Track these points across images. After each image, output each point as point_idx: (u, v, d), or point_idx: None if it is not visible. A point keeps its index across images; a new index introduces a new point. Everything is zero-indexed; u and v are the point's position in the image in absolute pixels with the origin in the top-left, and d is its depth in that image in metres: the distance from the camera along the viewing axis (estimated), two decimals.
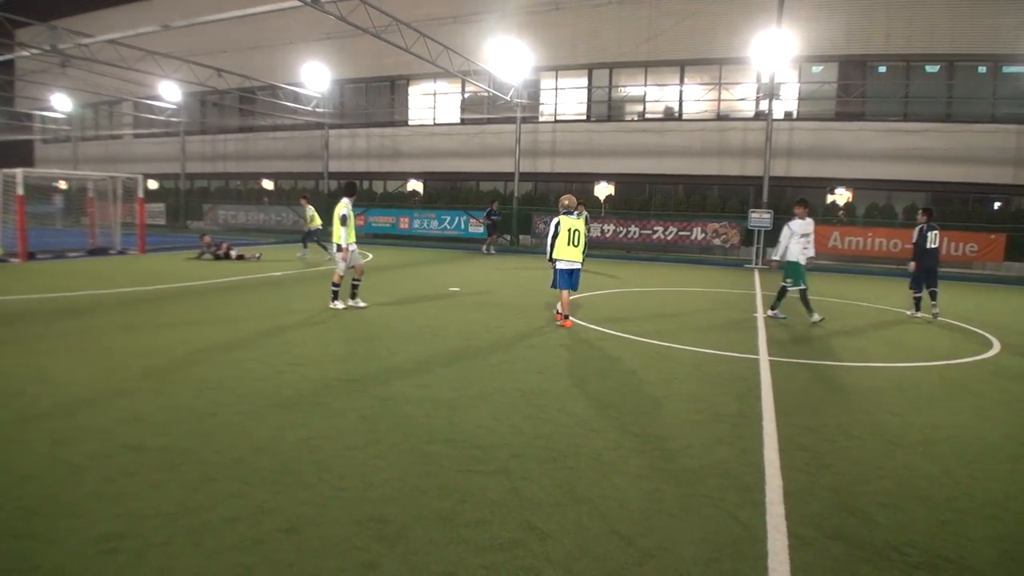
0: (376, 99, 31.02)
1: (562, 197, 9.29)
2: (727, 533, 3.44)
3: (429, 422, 4.97)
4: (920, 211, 11.24)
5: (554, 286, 9.40)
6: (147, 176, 31.68)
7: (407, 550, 3.15)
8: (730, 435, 4.95)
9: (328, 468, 4.06)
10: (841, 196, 23.77)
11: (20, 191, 15.82)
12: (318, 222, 18.44)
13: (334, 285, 10.00)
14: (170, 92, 28.85)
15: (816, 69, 23.87)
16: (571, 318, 9.39)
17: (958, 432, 5.25)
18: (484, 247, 23.42)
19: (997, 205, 22.56)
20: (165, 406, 5.19)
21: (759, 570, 3.09)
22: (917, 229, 11.25)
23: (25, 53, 23.05)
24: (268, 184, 34.41)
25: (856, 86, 23.06)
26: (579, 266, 9.23)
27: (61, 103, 34.11)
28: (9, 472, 3.90)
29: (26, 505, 3.50)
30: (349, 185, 10.16)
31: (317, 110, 29.72)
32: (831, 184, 23.77)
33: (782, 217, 21.73)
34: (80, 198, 21.96)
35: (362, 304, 10.13)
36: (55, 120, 39.14)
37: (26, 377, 5.93)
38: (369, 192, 30.94)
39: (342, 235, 9.73)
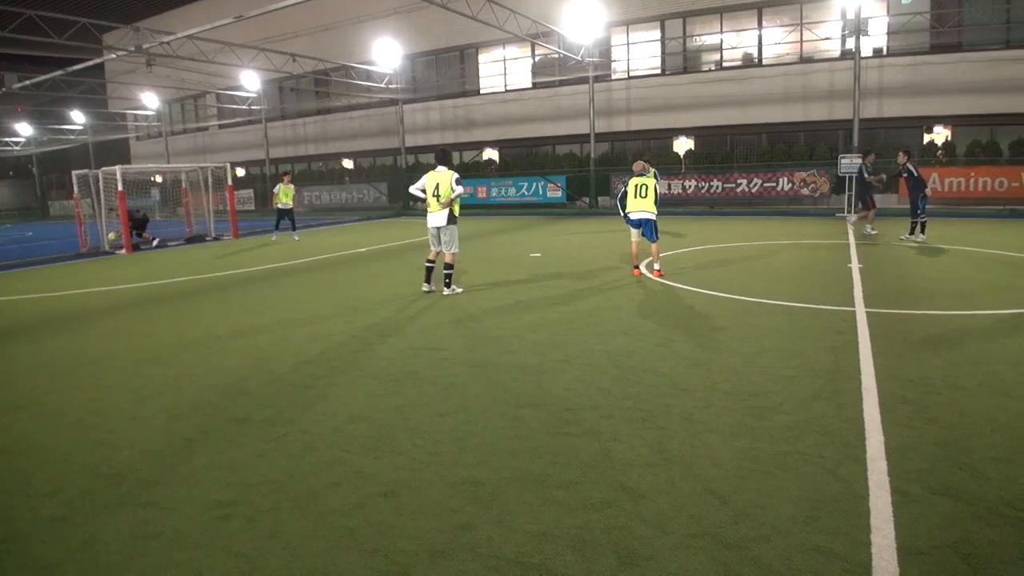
0: (447, 70, 31.10)
1: (633, 164, 10.37)
2: (826, 491, 3.34)
3: (517, 387, 5.03)
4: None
5: (631, 225, 10.07)
6: (234, 164, 33.13)
7: (501, 511, 3.22)
8: (827, 390, 4.77)
9: (421, 434, 4.19)
10: (939, 135, 22.17)
11: (120, 187, 16.82)
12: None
13: (451, 268, 9.03)
14: (249, 81, 29.83)
15: (906, 0, 22.18)
16: (643, 270, 10.20)
17: None
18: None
19: None
20: (266, 381, 5.47)
21: (862, 528, 2.99)
22: None
23: (113, 56, 24.27)
24: (348, 163, 35.26)
25: (952, 14, 21.28)
26: (650, 215, 9.81)
27: (150, 101, 35.86)
28: (131, 446, 4.22)
29: (146, 476, 3.78)
30: (445, 153, 9.00)
31: (390, 86, 30.07)
32: (928, 122, 22.18)
33: (875, 162, 20.64)
34: (175, 190, 23.13)
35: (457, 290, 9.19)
36: (146, 117, 41.33)
37: (140, 360, 6.36)
38: None
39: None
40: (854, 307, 7.44)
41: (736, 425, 4.19)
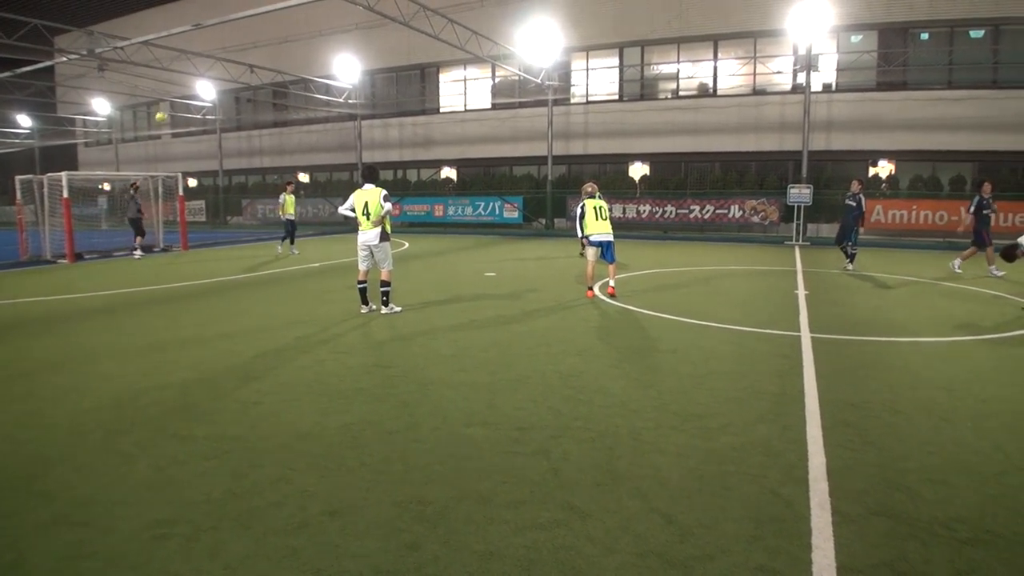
0: (407, 88, 31.13)
1: (584, 185, 10.43)
2: (769, 510, 3.41)
3: (468, 405, 5.01)
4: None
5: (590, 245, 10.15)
6: (186, 174, 32.48)
7: (448, 530, 3.19)
8: (771, 412, 4.88)
9: (370, 452, 4.13)
10: (884, 169, 23.07)
11: (66, 194, 16.30)
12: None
13: (388, 285, 8.83)
14: (205, 90, 29.36)
15: (855, 38, 23.13)
16: (596, 291, 10.20)
17: (1009, 406, 5.10)
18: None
19: None
20: (211, 396, 5.33)
21: (802, 547, 3.06)
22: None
23: (64, 59, 23.63)
24: (304, 177, 34.88)
25: (898, 54, 22.30)
26: (611, 237, 10.04)
27: (101, 107, 34.97)
28: (66, 463, 4.05)
29: (81, 494, 3.63)
30: (372, 170, 8.90)
31: (349, 101, 29.96)
32: (873, 156, 23.08)
33: (822, 193, 21.42)
34: (123, 199, 22.51)
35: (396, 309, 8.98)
36: (96, 123, 40.24)
37: (74, 372, 6.14)
38: (403, 181, 31.13)
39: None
40: (800, 332, 7.64)
41: (683, 445, 4.25)
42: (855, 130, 22.68)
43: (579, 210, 10.09)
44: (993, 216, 13.25)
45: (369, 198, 8.50)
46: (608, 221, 10.02)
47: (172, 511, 3.40)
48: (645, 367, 6.14)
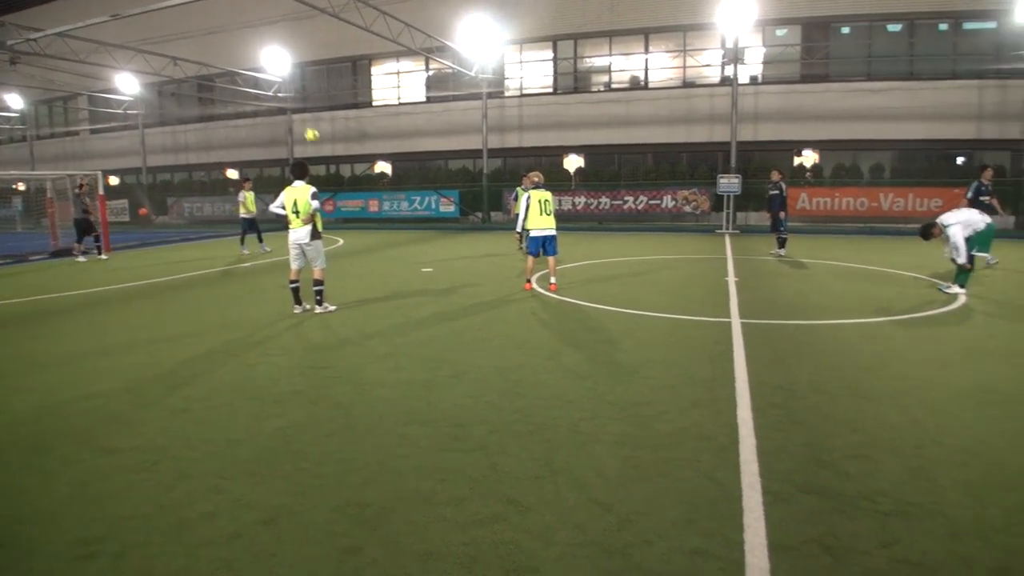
0: (339, 81, 30.51)
1: (530, 173, 10.21)
2: (703, 494, 3.50)
3: (405, 404, 4.97)
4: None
5: (531, 251, 10.06)
6: (107, 172, 31.04)
7: (387, 532, 3.16)
8: (705, 398, 5.01)
9: (304, 456, 4.05)
10: (808, 158, 23.95)
11: None
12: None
13: (321, 284, 8.65)
14: (126, 84, 28.10)
15: (780, 32, 23.89)
16: (535, 285, 10.15)
17: (926, 383, 5.37)
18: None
19: (961, 160, 22.90)
20: (137, 405, 5.13)
21: (735, 527, 3.15)
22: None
23: None
24: (233, 174, 33.82)
25: (820, 48, 23.15)
26: (554, 232, 9.87)
27: (14, 101, 33.09)
28: None
29: (1, 515, 3.45)
30: (301, 166, 8.65)
31: (279, 95, 29.17)
32: (797, 146, 23.93)
33: (750, 182, 22.08)
34: (39, 199, 21.36)
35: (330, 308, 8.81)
36: (8, 120, 37.98)
37: None
38: (336, 176, 30.55)
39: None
40: (730, 318, 7.87)
41: (620, 434, 4.32)
42: (780, 121, 23.43)
43: (524, 201, 9.81)
44: (993, 201, 12.46)
45: (298, 195, 8.30)
46: (552, 216, 9.82)
47: (98, 528, 3.26)
48: (582, 358, 6.21)
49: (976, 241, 9.25)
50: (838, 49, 23.30)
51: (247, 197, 16.58)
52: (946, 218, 9.28)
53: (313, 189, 8.35)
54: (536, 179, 9.98)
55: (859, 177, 22.96)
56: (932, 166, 22.66)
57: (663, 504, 3.39)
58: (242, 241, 17.02)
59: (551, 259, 10.04)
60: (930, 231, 9.39)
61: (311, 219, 8.36)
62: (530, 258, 10.06)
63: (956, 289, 9.41)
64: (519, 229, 10.11)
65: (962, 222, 9.16)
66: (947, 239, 9.19)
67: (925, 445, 4.12)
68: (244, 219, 16.71)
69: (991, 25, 21.50)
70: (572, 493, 3.52)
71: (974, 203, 12.35)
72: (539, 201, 9.71)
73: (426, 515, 3.31)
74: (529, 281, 10.14)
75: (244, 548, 3.05)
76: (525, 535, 3.11)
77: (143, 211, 27.14)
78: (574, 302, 9.06)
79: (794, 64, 23.64)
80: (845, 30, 23.27)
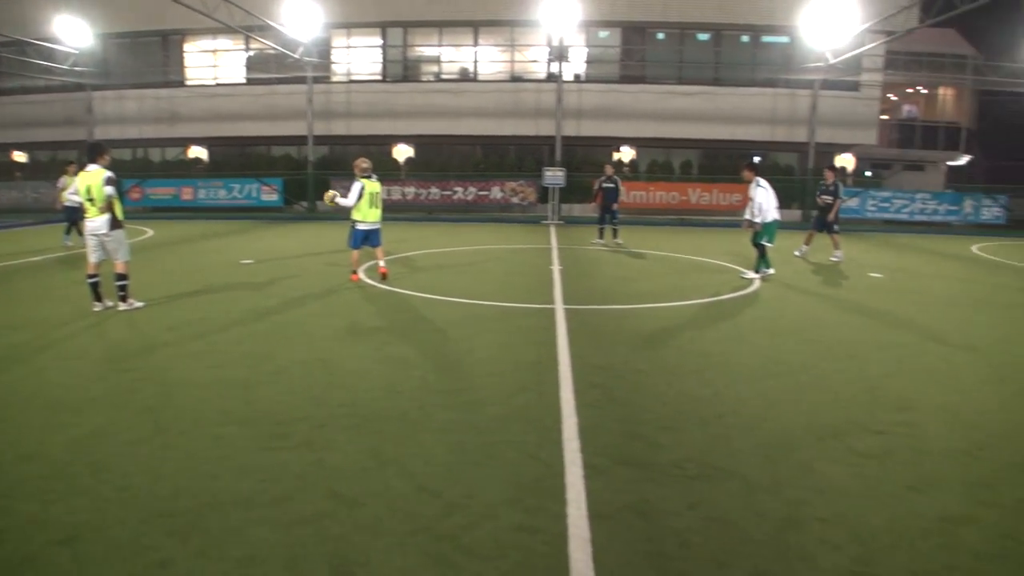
0: (147, 56, 27.73)
1: (359, 160, 9.77)
2: (529, 473, 3.63)
3: (222, 404, 4.66)
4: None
5: (352, 245, 9.77)
6: None
7: (203, 541, 2.96)
8: (530, 382, 5.20)
9: (107, 468, 3.67)
10: (626, 154, 25.55)
11: None
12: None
13: (125, 279, 7.87)
14: None
15: (603, 34, 25.23)
16: (362, 275, 9.92)
17: (725, 358, 5.96)
18: None
19: (757, 159, 25.56)
20: None
21: (559, 502, 3.31)
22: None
23: None
24: (21, 156, 29.76)
25: (637, 51, 24.75)
26: (379, 226, 9.74)
27: None
28: None
29: None
30: (94, 148, 7.78)
31: (76, 69, 25.99)
32: (617, 143, 25.47)
33: (574, 175, 23.15)
34: None
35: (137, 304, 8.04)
36: None
37: None
38: (145, 161, 27.92)
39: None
40: (554, 305, 8.22)
41: (447, 421, 4.37)
42: (602, 118, 24.76)
43: (358, 191, 9.36)
44: (830, 201, 13.05)
45: (92, 181, 7.44)
46: (380, 208, 9.68)
47: None
48: (410, 348, 6.19)
49: (765, 233, 10.35)
50: (654, 53, 25.08)
51: (68, 183, 14.56)
52: (759, 192, 10.29)
53: (108, 174, 7.52)
54: (364, 166, 9.66)
55: (671, 173, 24.91)
56: (733, 164, 25.14)
57: (490, 486, 3.47)
58: (67, 232, 15.00)
59: (378, 249, 9.83)
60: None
61: (109, 207, 7.57)
62: (354, 252, 9.80)
63: (753, 275, 10.54)
64: (354, 219, 9.64)
65: (769, 194, 10.23)
66: (752, 200, 10.27)
67: (725, 414, 4.58)
68: (67, 208, 14.69)
69: (785, 40, 24.24)
70: (401, 483, 3.51)
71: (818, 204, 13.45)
72: (371, 194, 9.49)
73: (245, 518, 3.14)
74: (356, 272, 9.88)
75: (36, 573, 2.73)
76: (353, 529, 3.05)
77: None
78: (402, 292, 9.00)
79: (614, 65, 25.13)
80: (660, 36, 25.11)
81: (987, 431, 4.38)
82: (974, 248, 16.95)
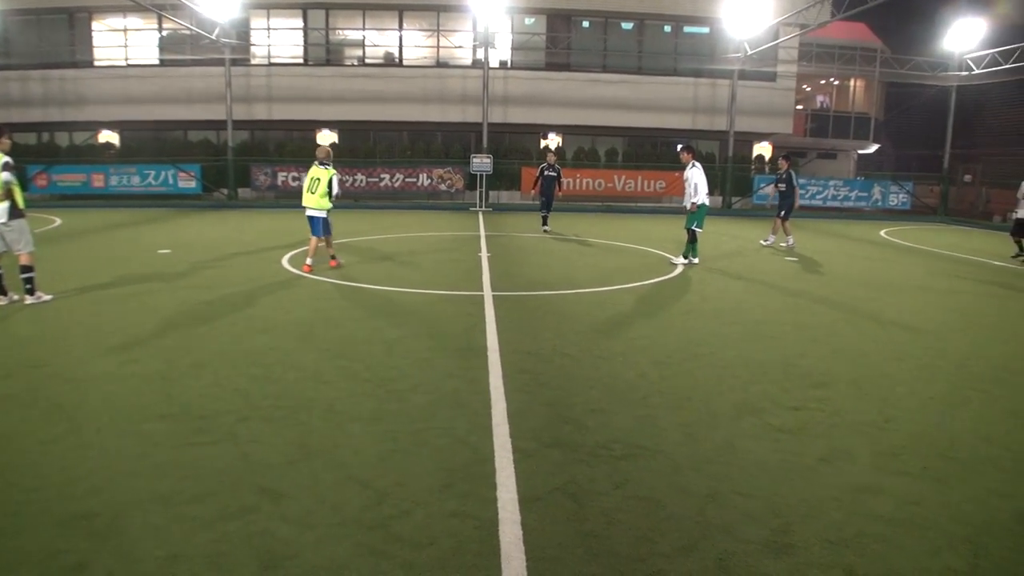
0: (51, 35, 26.02)
1: (317, 151, 9.86)
2: (458, 458, 3.67)
3: (140, 400, 4.49)
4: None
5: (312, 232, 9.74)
6: None
7: (122, 541, 2.86)
8: (459, 368, 5.23)
9: (16, 470, 3.49)
10: (553, 141, 25.73)
11: None
12: None
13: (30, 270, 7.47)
14: None
15: (529, 21, 25.22)
16: (307, 265, 9.67)
17: (649, 342, 6.13)
18: None
19: (680, 147, 26.10)
20: None
21: (489, 487, 3.35)
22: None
23: None
24: None
25: (563, 38, 24.89)
26: (316, 214, 9.56)
27: None
28: None
29: None
30: None
31: None
32: (544, 130, 25.60)
33: (501, 162, 23.18)
34: None
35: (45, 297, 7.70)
36: None
37: None
38: (51, 146, 26.29)
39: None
40: (483, 292, 8.26)
41: (376, 410, 4.35)
42: (528, 105, 24.82)
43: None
44: (783, 189, 13.77)
45: None
46: (319, 194, 9.41)
47: None
48: (337, 338, 6.11)
49: (695, 217, 10.66)
50: (579, 41, 25.28)
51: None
52: (695, 173, 10.63)
53: (5, 159, 7.07)
54: (321, 154, 9.70)
55: (597, 160, 25.24)
56: (657, 152, 25.70)
57: (420, 474, 3.49)
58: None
59: (313, 239, 9.65)
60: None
61: (8, 195, 7.11)
62: (312, 239, 9.68)
63: (680, 260, 10.87)
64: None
65: (703, 177, 10.61)
66: (687, 180, 10.63)
67: (650, 395, 4.73)
68: None
69: (705, 31, 24.86)
70: (329, 474, 3.48)
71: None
72: (310, 179, 9.49)
73: (167, 516, 3.05)
74: (307, 263, 9.65)
75: None
76: (281, 523, 3.01)
77: None
78: (330, 281, 8.85)
79: (540, 52, 25.20)
80: (585, 24, 25.31)
81: (894, 404, 4.69)
82: (883, 233, 17.96)
